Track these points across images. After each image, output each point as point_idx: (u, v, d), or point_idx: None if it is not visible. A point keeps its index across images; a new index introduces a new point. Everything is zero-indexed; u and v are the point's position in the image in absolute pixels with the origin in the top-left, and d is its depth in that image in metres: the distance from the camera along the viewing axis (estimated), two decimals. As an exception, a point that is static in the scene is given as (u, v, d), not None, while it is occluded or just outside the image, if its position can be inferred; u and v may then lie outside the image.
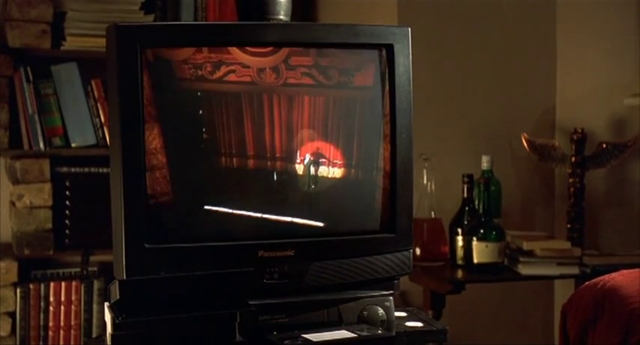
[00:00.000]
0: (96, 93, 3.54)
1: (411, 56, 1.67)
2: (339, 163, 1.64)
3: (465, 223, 3.10)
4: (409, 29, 1.68)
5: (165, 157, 1.54)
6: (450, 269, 3.10)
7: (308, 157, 1.62)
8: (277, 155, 1.60)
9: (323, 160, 1.63)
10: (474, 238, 3.02)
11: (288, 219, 1.61)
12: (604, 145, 3.33)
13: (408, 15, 3.34)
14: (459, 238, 3.08)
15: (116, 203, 1.53)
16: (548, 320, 3.55)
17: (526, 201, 3.55)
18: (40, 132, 3.46)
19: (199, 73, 1.55)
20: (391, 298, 1.68)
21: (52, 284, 3.52)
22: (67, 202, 3.53)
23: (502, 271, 3.06)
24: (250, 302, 1.58)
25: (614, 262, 3.00)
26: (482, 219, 3.04)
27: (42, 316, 3.50)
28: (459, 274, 3.06)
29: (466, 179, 3.15)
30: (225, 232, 1.58)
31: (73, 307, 3.53)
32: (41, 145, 3.47)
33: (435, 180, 3.19)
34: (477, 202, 3.11)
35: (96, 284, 3.56)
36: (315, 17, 3.83)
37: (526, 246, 3.08)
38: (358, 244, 1.65)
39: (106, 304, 1.61)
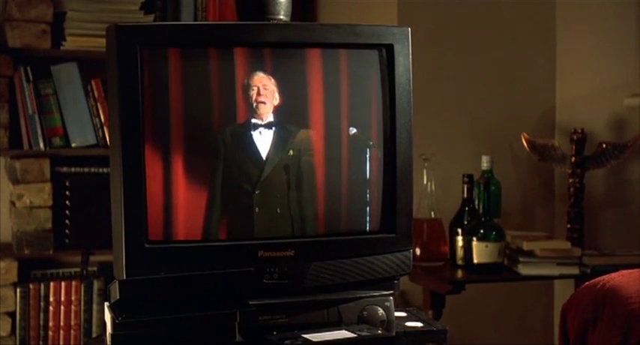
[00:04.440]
0: (96, 93, 3.54)
1: (411, 56, 1.67)
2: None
3: (465, 223, 3.10)
4: (409, 29, 1.68)
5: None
6: (450, 269, 3.10)
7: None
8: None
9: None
10: (474, 238, 3.02)
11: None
12: (604, 146, 3.33)
13: (408, 15, 3.34)
14: (459, 238, 3.08)
15: (116, 203, 1.53)
16: (548, 320, 3.55)
17: (526, 201, 3.55)
18: (40, 132, 3.47)
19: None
20: (391, 298, 1.68)
21: (52, 284, 3.52)
22: (67, 202, 3.54)
23: (502, 271, 3.06)
24: (250, 302, 1.58)
25: (614, 262, 3.00)
26: (482, 219, 3.04)
27: (42, 316, 3.50)
28: (459, 274, 3.06)
29: (466, 179, 3.15)
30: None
31: (73, 307, 3.53)
32: (41, 145, 3.47)
33: (435, 180, 3.19)
34: (476, 202, 3.11)
35: (96, 284, 3.57)
36: (315, 17, 3.83)
37: (526, 246, 3.08)
38: (358, 244, 1.65)
39: (106, 304, 1.61)
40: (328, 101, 1.63)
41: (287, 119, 1.61)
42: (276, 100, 1.60)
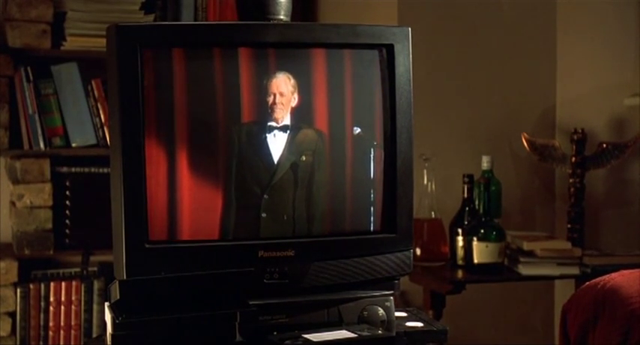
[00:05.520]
0: (96, 93, 3.54)
1: (411, 56, 1.67)
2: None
3: (466, 223, 3.10)
4: (409, 29, 1.68)
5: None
6: (450, 269, 3.10)
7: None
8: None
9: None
10: (475, 238, 3.02)
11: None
12: (604, 145, 3.34)
13: (408, 15, 3.35)
14: (460, 238, 3.08)
15: (116, 203, 1.53)
16: (549, 320, 3.55)
17: (526, 201, 3.55)
18: (40, 132, 3.47)
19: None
20: (391, 298, 1.68)
21: (52, 284, 3.52)
22: (67, 202, 3.54)
23: (502, 271, 3.06)
24: (250, 302, 1.58)
25: (615, 262, 3.00)
26: (483, 219, 3.04)
27: (42, 316, 3.50)
28: (459, 274, 3.06)
29: (466, 179, 3.15)
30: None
31: (73, 307, 3.53)
32: (41, 145, 3.47)
33: (435, 180, 3.19)
34: (477, 202, 3.11)
35: (96, 284, 3.57)
36: (315, 17, 3.83)
37: (526, 246, 3.08)
38: (358, 244, 1.65)
39: (106, 304, 1.61)
40: (334, 101, 1.63)
41: (302, 120, 1.61)
42: (294, 101, 1.60)
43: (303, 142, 1.61)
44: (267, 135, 1.59)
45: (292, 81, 1.60)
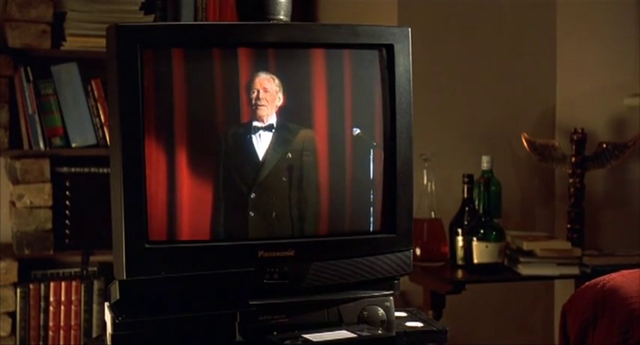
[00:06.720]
0: (96, 93, 3.54)
1: (411, 56, 1.67)
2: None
3: (465, 223, 3.10)
4: (409, 29, 1.68)
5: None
6: (450, 269, 3.10)
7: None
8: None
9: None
10: (474, 239, 3.02)
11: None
12: (604, 145, 3.34)
13: (408, 15, 3.35)
14: (459, 239, 3.08)
15: (116, 203, 1.53)
16: (548, 320, 3.55)
17: (526, 201, 3.55)
18: (40, 132, 3.47)
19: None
20: (391, 298, 1.68)
21: (52, 284, 3.52)
22: (67, 202, 3.54)
23: (502, 271, 3.06)
24: (250, 302, 1.58)
25: (614, 262, 3.00)
26: (483, 219, 3.04)
27: (42, 316, 3.50)
28: (459, 274, 3.06)
29: (466, 179, 3.15)
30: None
31: (73, 307, 3.54)
32: (41, 145, 3.47)
33: (435, 180, 3.19)
34: (477, 203, 3.11)
35: (96, 284, 3.57)
36: (315, 17, 3.83)
37: (526, 246, 3.08)
38: (358, 245, 1.65)
39: (106, 304, 1.61)
40: (332, 101, 1.63)
41: (290, 120, 1.61)
42: (279, 100, 1.60)
43: (293, 141, 1.61)
44: (253, 135, 1.59)
45: (276, 81, 1.59)
